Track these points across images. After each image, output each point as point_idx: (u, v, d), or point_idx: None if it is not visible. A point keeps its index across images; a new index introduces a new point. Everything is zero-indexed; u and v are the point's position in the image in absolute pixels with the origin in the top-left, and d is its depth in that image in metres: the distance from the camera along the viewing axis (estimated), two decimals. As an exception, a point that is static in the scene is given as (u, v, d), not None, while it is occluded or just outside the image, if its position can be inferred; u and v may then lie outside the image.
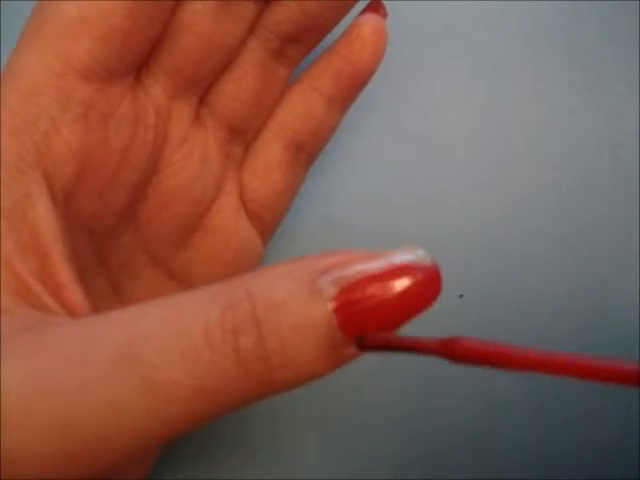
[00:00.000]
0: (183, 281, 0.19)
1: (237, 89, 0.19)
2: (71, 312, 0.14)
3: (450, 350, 0.12)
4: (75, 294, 0.14)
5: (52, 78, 0.15)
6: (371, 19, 0.19)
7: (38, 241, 0.14)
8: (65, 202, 0.16)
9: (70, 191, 0.16)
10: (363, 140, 0.23)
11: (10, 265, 0.14)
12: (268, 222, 0.20)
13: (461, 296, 0.22)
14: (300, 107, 0.20)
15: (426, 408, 0.21)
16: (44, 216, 0.15)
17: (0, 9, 0.22)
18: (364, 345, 0.12)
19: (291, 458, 0.21)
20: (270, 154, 0.20)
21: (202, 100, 0.19)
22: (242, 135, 0.20)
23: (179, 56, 0.18)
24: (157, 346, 0.12)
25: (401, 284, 0.12)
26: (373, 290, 0.12)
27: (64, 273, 0.14)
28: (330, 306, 0.12)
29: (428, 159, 0.23)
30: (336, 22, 0.19)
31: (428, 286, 0.12)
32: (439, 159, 0.23)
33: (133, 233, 0.18)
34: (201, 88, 0.19)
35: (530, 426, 0.21)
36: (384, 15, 0.20)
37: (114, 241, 0.18)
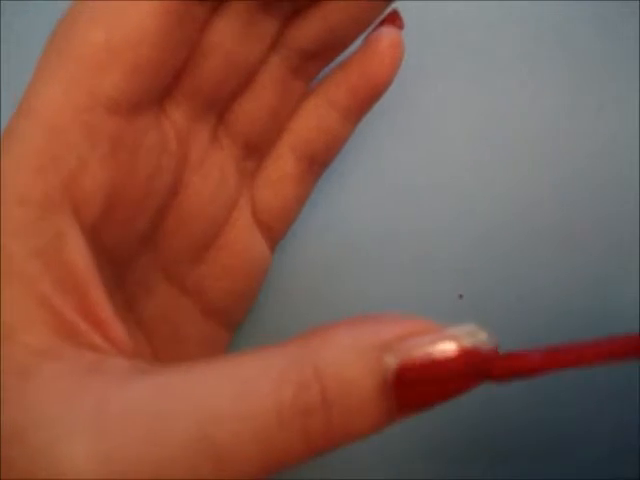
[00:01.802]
0: (196, 296, 0.19)
1: (255, 107, 0.19)
2: (116, 347, 0.14)
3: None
4: (118, 329, 0.14)
5: (78, 113, 0.14)
6: (389, 32, 0.19)
7: (76, 279, 0.14)
8: (92, 235, 0.15)
9: (97, 225, 0.15)
10: (363, 140, 0.23)
11: (51, 306, 0.13)
12: (278, 232, 0.20)
13: (461, 296, 0.22)
14: (315, 121, 0.20)
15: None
16: (78, 254, 0.14)
17: (0, 9, 0.22)
18: (491, 377, 0.13)
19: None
20: (284, 167, 0.20)
21: (220, 119, 0.19)
22: (257, 150, 0.20)
23: (201, 79, 0.17)
24: (231, 428, 0.12)
25: (464, 370, 0.13)
26: (436, 372, 0.12)
27: (105, 309, 0.14)
28: (393, 384, 0.12)
29: (428, 159, 0.23)
30: (356, 37, 0.19)
31: (482, 367, 0.13)
32: (439, 159, 0.23)
33: (150, 255, 0.18)
34: (220, 108, 0.18)
35: (529, 424, 0.22)
36: (401, 27, 0.19)
37: (132, 263, 0.18)
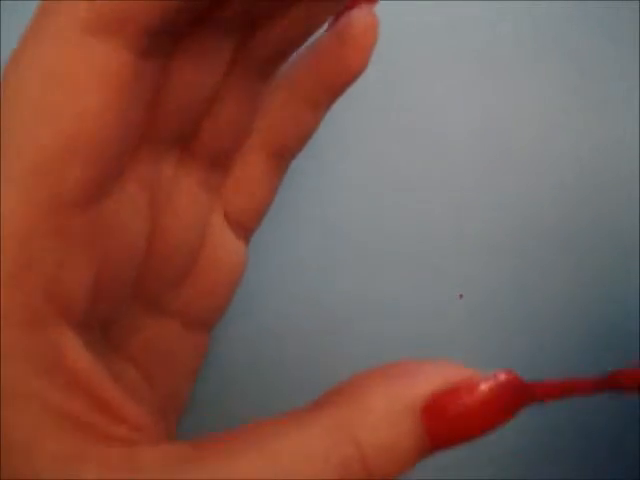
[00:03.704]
0: (183, 316, 0.19)
1: (218, 124, 0.17)
2: (138, 430, 0.14)
3: (616, 382, 0.13)
4: (135, 412, 0.14)
5: (45, 216, 0.13)
6: (362, 15, 0.18)
7: (83, 382, 0.14)
8: (81, 321, 0.15)
9: (85, 311, 0.14)
10: (363, 140, 0.23)
11: (66, 414, 0.13)
12: (252, 228, 0.20)
13: (461, 296, 0.22)
14: (284, 118, 0.19)
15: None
16: (76, 354, 0.14)
17: (0, 9, 0.22)
18: (535, 398, 0.13)
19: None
20: (254, 168, 0.19)
21: (183, 150, 0.17)
22: (223, 162, 0.19)
23: (164, 123, 0.16)
24: None
25: (489, 414, 0.13)
26: (470, 425, 0.13)
27: (117, 399, 0.14)
28: (425, 435, 0.13)
29: (428, 159, 0.23)
30: (318, 29, 0.17)
31: (512, 408, 0.13)
32: (439, 159, 0.23)
33: (132, 299, 0.18)
34: (184, 139, 0.17)
35: (529, 424, 0.22)
36: (374, 1, 0.18)
37: (117, 318, 0.17)
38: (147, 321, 0.18)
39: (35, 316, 0.13)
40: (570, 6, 0.24)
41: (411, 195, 0.23)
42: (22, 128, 0.13)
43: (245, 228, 0.20)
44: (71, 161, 0.13)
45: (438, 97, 0.23)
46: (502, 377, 0.13)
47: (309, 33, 0.17)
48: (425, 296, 0.22)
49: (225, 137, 0.18)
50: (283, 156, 0.19)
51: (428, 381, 0.13)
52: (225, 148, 0.18)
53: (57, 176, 0.13)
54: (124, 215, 0.15)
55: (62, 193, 0.13)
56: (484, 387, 0.13)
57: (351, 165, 0.23)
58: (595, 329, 0.22)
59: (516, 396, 0.13)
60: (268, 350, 0.22)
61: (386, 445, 0.13)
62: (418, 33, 0.23)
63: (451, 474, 0.21)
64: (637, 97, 0.23)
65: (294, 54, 0.18)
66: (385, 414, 0.13)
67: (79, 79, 0.13)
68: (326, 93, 0.19)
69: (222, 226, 0.19)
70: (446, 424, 0.13)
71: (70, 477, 0.12)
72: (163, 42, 0.14)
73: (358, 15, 0.18)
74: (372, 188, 0.23)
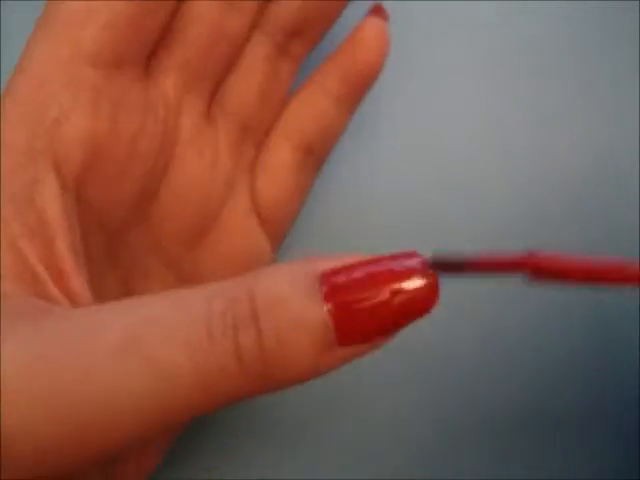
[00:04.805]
0: (193, 283, 0.19)
1: (245, 85, 0.19)
2: (73, 301, 0.14)
3: (531, 264, 0.12)
4: (78, 283, 0.15)
5: (60, 65, 0.15)
6: (373, 22, 0.20)
7: (44, 227, 0.14)
8: (76, 190, 0.16)
9: (80, 178, 0.16)
10: (363, 141, 0.23)
11: (16, 249, 0.14)
12: (278, 226, 0.20)
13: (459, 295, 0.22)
14: (309, 108, 0.20)
15: (426, 401, 0.21)
16: (51, 202, 0.15)
17: (0, 9, 0.22)
18: (438, 268, 0.13)
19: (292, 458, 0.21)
20: (280, 156, 0.20)
21: (213, 98, 0.19)
22: (252, 134, 0.20)
23: (188, 48, 0.18)
24: (161, 331, 0.12)
25: (397, 288, 0.12)
26: (368, 293, 0.12)
27: (68, 260, 0.15)
28: (326, 307, 0.12)
29: (428, 159, 0.23)
30: (338, 14, 0.20)
31: (425, 293, 0.13)
32: (439, 159, 0.23)
33: (145, 231, 0.18)
34: (211, 83, 0.19)
35: (529, 424, 0.22)
36: (386, 18, 0.20)
37: (125, 237, 0.18)
38: (162, 276, 0.19)
39: (30, 149, 0.15)
40: (570, 6, 0.24)
41: (411, 195, 0.23)
42: None
43: (269, 221, 0.20)
44: (89, 19, 0.16)
45: (438, 97, 0.23)
46: (408, 264, 0.13)
47: (328, 13, 0.19)
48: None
49: (251, 101, 0.19)
50: (307, 152, 0.20)
51: (328, 261, 0.13)
52: (251, 115, 0.20)
53: (77, 31, 0.15)
54: (137, 102, 0.17)
55: (79, 47, 0.15)
56: (377, 261, 0.13)
57: (351, 165, 0.23)
58: (595, 329, 0.22)
59: (424, 290, 0.13)
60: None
61: (276, 297, 0.12)
62: (418, 33, 0.23)
63: (451, 470, 0.21)
64: (637, 97, 0.23)
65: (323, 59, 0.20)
66: (283, 277, 0.13)
67: None
68: (346, 91, 0.20)
69: (247, 205, 0.20)
70: (344, 299, 0.12)
71: None
72: None
73: (371, 22, 0.20)
74: (371, 188, 0.23)
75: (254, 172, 0.20)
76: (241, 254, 0.20)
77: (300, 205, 0.21)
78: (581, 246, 0.23)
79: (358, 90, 0.20)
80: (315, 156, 0.21)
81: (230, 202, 0.19)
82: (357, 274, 0.12)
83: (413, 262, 0.13)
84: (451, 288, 0.23)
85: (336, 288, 0.12)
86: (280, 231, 0.21)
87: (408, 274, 0.12)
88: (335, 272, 0.13)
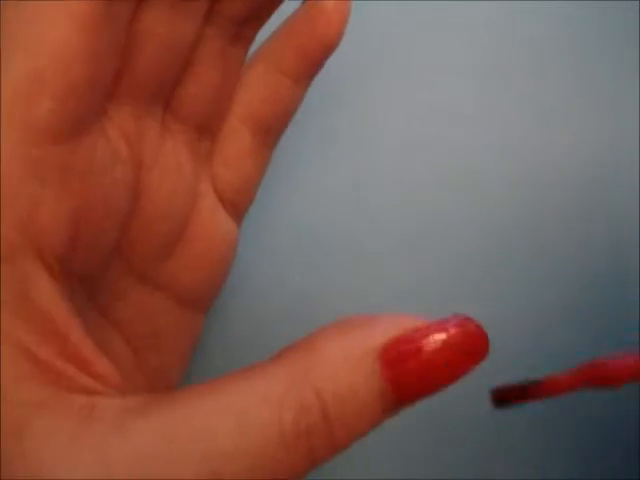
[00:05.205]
0: (169, 289, 0.19)
1: (199, 87, 0.18)
2: (104, 382, 0.14)
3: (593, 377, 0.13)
4: (103, 365, 0.14)
5: (18, 150, 0.13)
6: None
7: (51, 324, 0.13)
8: (60, 266, 0.15)
9: (63, 256, 0.15)
10: (361, 141, 0.23)
11: (32, 355, 0.13)
12: (242, 206, 0.20)
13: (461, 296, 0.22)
14: (266, 90, 0.19)
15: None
16: (49, 295, 0.14)
17: None
18: (497, 403, 0.13)
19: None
20: (239, 142, 0.19)
21: (166, 108, 0.18)
22: (208, 129, 0.19)
23: (140, 73, 0.16)
24: (240, 464, 0.12)
25: (449, 358, 0.13)
26: (430, 364, 0.13)
27: (87, 347, 0.14)
28: (385, 383, 0.13)
29: (428, 158, 0.23)
30: None
31: (473, 352, 0.13)
32: (439, 158, 0.23)
33: (117, 261, 0.18)
34: (164, 97, 0.18)
35: (528, 423, 0.22)
36: None
37: (101, 277, 0.17)
38: (138, 292, 0.18)
39: (8, 248, 0.13)
40: (570, 6, 0.24)
41: (411, 195, 0.23)
42: (3, 60, 0.13)
43: (234, 205, 0.20)
44: (41, 92, 0.13)
45: (438, 97, 0.23)
46: (459, 321, 0.13)
47: None
48: (425, 296, 0.22)
49: (206, 100, 0.18)
50: (267, 131, 0.20)
51: (384, 330, 0.13)
52: (207, 112, 0.18)
53: (28, 106, 0.13)
54: (103, 158, 0.15)
55: (34, 123, 0.13)
56: (440, 331, 0.13)
57: (350, 165, 0.23)
58: (595, 329, 0.22)
59: (474, 340, 0.13)
60: (268, 350, 0.22)
61: (346, 393, 0.13)
62: (418, 33, 0.23)
63: (452, 472, 0.21)
64: (637, 96, 0.23)
65: (273, 32, 0.19)
66: (343, 362, 0.13)
67: (49, 16, 0.14)
68: (304, 67, 0.19)
69: (212, 199, 0.19)
70: (405, 370, 0.13)
71: (22, 422, 0.12)
72: None
73: None
74: (370, 188, 0.23)
75: (213, 162, 0.19)
76: (214, 248, 0.19)
77: (261, 180, 0.20)
78: (580, 243, 0.23)
79: (317, 66, 0.19)
80: (273, 136, 0.20)
81: (196, 206, 0.19)
82: (423, 356, 0.13)
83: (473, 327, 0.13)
84: (448, 290, 0.23)
85: (399, 373, 0.13)
86: (244, 210, 0.20)
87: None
88: (394, 348, 0.13)
